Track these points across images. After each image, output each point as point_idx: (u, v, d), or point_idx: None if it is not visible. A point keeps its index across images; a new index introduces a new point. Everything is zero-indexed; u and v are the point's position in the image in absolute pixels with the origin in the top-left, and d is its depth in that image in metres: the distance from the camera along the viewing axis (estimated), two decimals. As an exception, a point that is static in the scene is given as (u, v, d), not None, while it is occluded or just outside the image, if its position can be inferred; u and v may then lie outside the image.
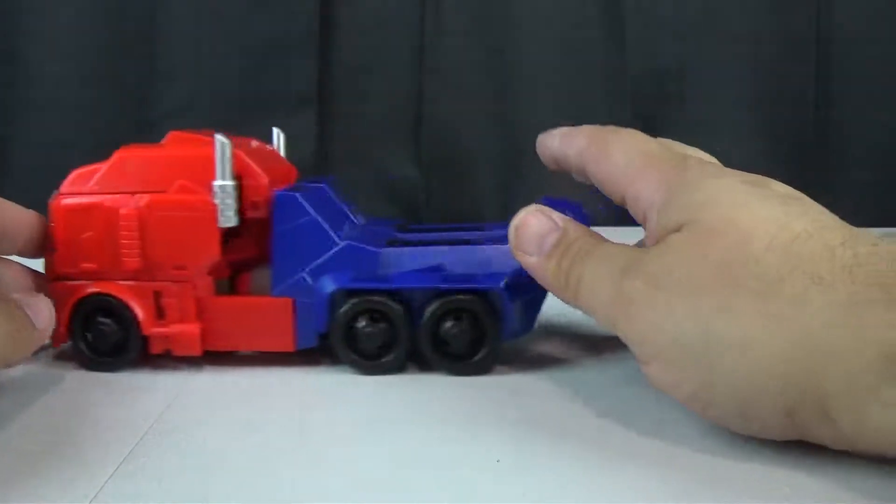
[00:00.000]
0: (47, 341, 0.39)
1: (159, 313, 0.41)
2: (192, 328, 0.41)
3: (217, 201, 0.40)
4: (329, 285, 0.40)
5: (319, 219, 0.41)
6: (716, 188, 0.31)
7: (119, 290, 0.41)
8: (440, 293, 0.39)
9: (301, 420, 0.35)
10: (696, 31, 0.86)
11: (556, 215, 0.35)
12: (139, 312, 0.41)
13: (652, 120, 0.86)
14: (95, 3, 0.84)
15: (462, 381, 0.39)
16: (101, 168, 0.41)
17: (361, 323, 0.40)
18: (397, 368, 0.40)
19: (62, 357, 0.42)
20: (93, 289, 0.41)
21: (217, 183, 0.40)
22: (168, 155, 0.41)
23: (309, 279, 0.40)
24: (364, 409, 0.37)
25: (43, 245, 0.42)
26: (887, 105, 0.84)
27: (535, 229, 0.35)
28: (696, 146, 0.40)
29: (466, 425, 0.35)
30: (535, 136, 1.01)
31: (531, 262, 0.35)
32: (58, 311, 0.40)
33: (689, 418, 0.35)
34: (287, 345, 0.41)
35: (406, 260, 0.41)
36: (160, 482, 0.30)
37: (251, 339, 0.41)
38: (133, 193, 0.40)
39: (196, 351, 0.41)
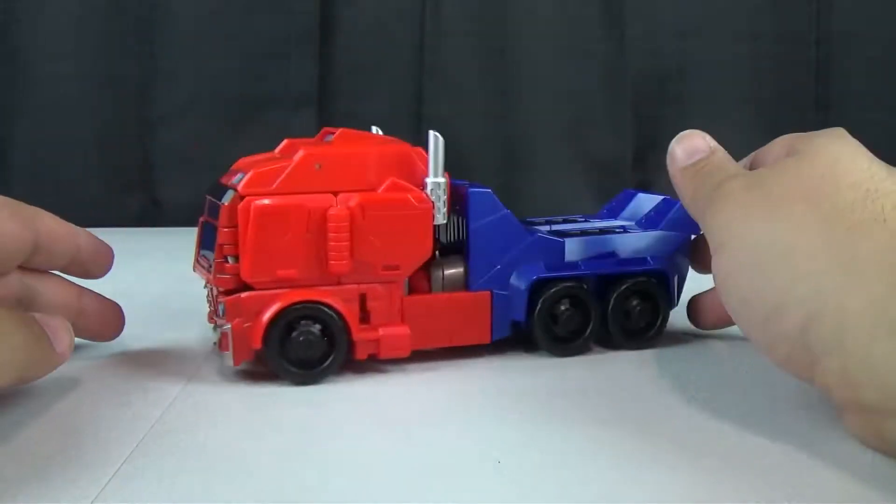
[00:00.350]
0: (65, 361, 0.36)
1: (364, 317, 0.39)
2: (402, 329, 0.39)
3: (432, 198, 0.39)
4: (528, 276, 0.41)
5: (510, 213, 0.42)
6: (838, 142, 0.34)
7: (325, 295, 0.38)
8: (618, 276, 0.43)
9: (300, 421, 0.35)
10: (696, 31, 0.87)
11: (713, 142, 0.38)
12: (348, 318, 0.38)
13: (652, 120, 0.86)
14: (95, 4, 0.84)
15: (450, 384, 0.39)
16: (285, 167, 0.38)
17: (561, 308, 0.42)
18: (588, 349, 0.43)
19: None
20: (299, 297, 0.38)
21: (430, 179, 0.39)
22: (362, 152, 0.39)
23: (505, 271, 0.42)
24: (363, 410, 0.37)
25: (89, 266, 0.40)
26: (887, 105, 0.84)
27: (691, 144, 0.38)
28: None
29: (466, 427, 0.35)
30: (535, 136, 1.00)
31: (675, 168, 0.39)
32: (245, 324, 0.38)
33: (695, 418, 0.35)
34: (484, 337, 0.41)
35: (584, 248, 0.43)
36: (161, 483, 0.30)
37: (450, 335, 0.41)
38: (333, 193, 0.38)
39: (405, 353, 0.40)
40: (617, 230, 0.45)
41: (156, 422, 0.35)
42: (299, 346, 0.38)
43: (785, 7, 0.86)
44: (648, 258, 0.43)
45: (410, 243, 0.39)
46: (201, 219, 0.41)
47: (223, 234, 0.38)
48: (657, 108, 0.87)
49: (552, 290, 0.42)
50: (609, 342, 0.43)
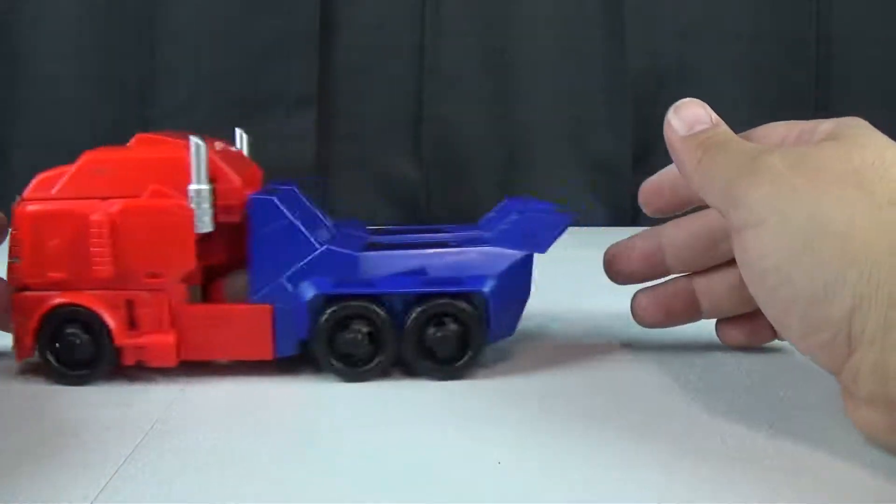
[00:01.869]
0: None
1: (132, 323, 0.39)
2: (167, 338, 0.39)
3: (193, 206, 0.38)
4: (309, 291, 0.39)
5: (297, 223, 0.39)
6: (876, 132, 0.34)
7: (89, 299, 0.39)
8: (424, 297, 0.39)
9: (299, 423, 0.35)
10: (696, 31, 0.87)
11: (714, 113, 0.38)
12: (111, 323, 0.39)
13: (652, 120, 0.86)
14: (95, 3, 0.84)
15: (451, 385, 0.39)
16: (67, 172, 0.40)
17: (345, 329, 0.39)
18: (381, 374, 0.40)
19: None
20: (61, 299, 0.39)
21: (192, 187, 0.38)
22: (137, 158, 0.39)
23: (288, 285, 0.39)
24: (361, 412, 0.37)
25: None
26: (887, 105, 0.84)
27: (692, 113, 0.37)
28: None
29: (466, 427, 0.35)
30: (535, 136, 1.00)
31: (676, 136, 0.37)
32: (22, 323, 0.39)
33: (695, 419, 0.35)
34: (265, 353, 0.40)
35: (386, 264, 0.40)
36: (160, 483, 0.30)
37: (228, 348, 0.40)
38: (103, 199, 0.39)
39: (171, 362, 0.39)
40: (450, 245, 0.41)
41: (156, 422, 0.35)
42: (66, 347, 0.39)
43: (785, 7, 0.86)
44: (464, 277, 0.39)
45: (171, 251, 0.39)
46: None
47: (11, 236, 0.39)
48: (657, 108, 0.86)
49: (333, 308, 0.39)
50: (410, 370, 0.40)
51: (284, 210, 0.39)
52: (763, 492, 0.29)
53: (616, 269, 0.43)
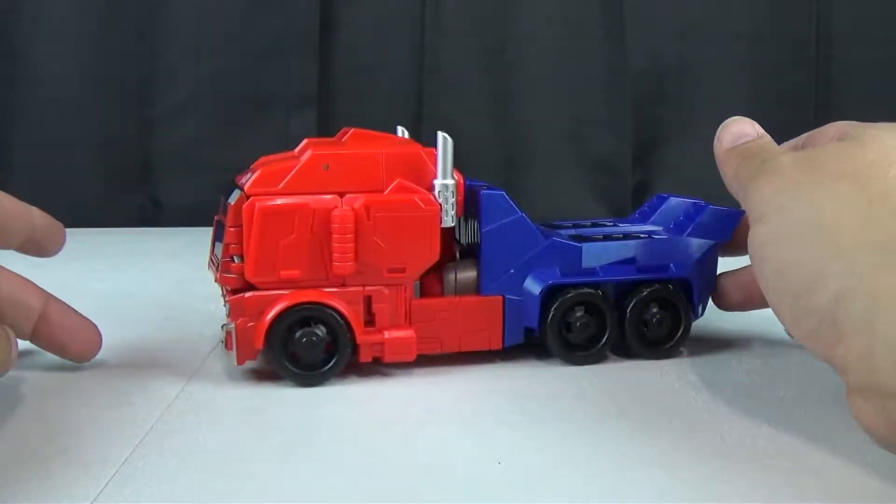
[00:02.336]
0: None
1: (369, 319, 0.39)
2: (408, 333, 0.39)
3: (441, 200, 0.38)
4: (541, 281, 0.41)
5: (526, 216, 0.41)
6: (891, 134, 0.34)
7: (328, 297, 0.38)
8: (637, 283, 0.42)
9: (299, 422, 0.35)
10: (696, 31, 0.87)
11: (761, 129, 0.39)
12: (352, 320, 0.38)
13: (652, 120, 0.86)
14: (95, 3, 0.84)
15: (450, 384, 0.39)
16: (293, 167, 0.38)
17: (576, 315, 0.41)
18: (604, 358, 0.42)
19: (62, 360, 0.42)
20: (300, 298, 0.38)
21: (439, 181, 0.38)
22: (374, 153, 0.39)
23: (518, 276, 0.41)
24: (363, 411, 0.37)
25: (43, 244, 0.40)
26: (888, 105, 0.84)
27: (739, 128, 0.40)
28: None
29: (466, 427, 0.35)
30: (536, 136, 1.00)
31: (721, 149, 0.39)
32: (246, 324, 0.38)
33: (696, 419, 0.35)
34: (495, 343, 0.41)
35: (602, 253, 0.42)
36: (161, 483, 0.30)
37: (459, 340, 0.40)
38: (341, 194, 0.38)
39: (410, 357, 0.39)
40: (642, 235, 0.44)
41: (156, 422, 0.35)
42: (302, 348, 0.38)
43: (785, 7, 0.86)
44: (671, 265, 0.42)
45: (416, 246, 0.38)
46: (216, 217, 0.41)
47: (229, 233, 0.38)
48: (657, 108, 0.87)
49: (566, 297, 0.41)
50: (627, 351, 0.42)
51: (514, 204, 0.41)
52: (763, 491, 0.29)
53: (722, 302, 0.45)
